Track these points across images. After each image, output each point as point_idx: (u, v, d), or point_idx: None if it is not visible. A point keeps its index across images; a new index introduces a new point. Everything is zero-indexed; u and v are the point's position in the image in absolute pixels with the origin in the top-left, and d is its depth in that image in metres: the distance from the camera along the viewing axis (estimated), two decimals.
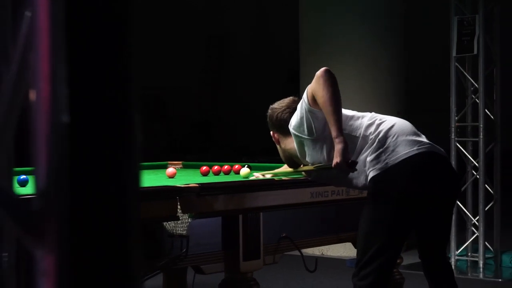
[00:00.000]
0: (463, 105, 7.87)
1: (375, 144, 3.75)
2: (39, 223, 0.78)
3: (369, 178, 3.75)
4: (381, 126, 3.81)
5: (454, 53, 7.71)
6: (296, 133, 3.84)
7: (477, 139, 7.67)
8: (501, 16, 7.73)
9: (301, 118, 3.78)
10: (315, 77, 3.66)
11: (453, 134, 7.81)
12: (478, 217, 7.65)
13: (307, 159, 3.88)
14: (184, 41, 19.00)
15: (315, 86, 3.64)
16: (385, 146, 3.73)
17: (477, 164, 7.68)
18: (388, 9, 8.42)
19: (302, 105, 3.77)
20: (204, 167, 4.94)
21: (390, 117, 3.95)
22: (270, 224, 4.08)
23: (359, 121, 3.85)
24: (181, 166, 5.85)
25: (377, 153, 3.73)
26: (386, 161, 3.71)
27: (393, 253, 3.77)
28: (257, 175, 4.45)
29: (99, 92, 0.90)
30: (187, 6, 19.03)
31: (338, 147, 3.58)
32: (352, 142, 3.75)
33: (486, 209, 7.62)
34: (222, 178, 4.69)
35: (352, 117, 3.87)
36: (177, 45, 18.75)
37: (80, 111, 0.87)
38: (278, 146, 4.12)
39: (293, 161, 4.09)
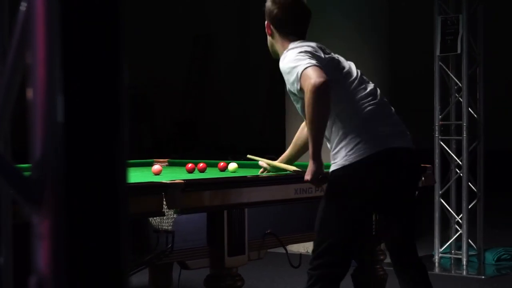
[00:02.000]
0: (446, 104, 7.93)
1: (339, 135, 3.73)
2: (36, 191, 0.82)
3: (330, 169, 3.76)
4: (350, 110, 3.77)
5: (437, 53, 7.77)
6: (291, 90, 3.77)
7: (460, 137, 7.73)
8: (484, 15, 7.79)
9: (288, 74, 3.70)
10: (308, 87, 3.51)
11: (437, 133, 7.87)
12: (461, 215, 7.71)
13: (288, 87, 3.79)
14: (169, 41, 19.00)
15: (306, 100, 3.54)
16: (347, 140, 3.71)
17: (460, 163, 7.74)
18: (372, 8, 8.46)
19: (295, 73, 3.63)
20: (190, 164, 4.97)
21: (367, 90, 3.90)
22: (255, 220, 4.11)
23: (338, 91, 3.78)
24: (166, 163, 5.87)
25: (339, 146, 3.73)
26: (346, 157, 3.70)
27: (345, 248, 3.77)
28: (262, 163, 4.45)
29: (92, 93, 0.94)
30: (172, 6, 19.04)
31: (310, 167, 3.64)
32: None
33: (469, 207, 7.68)
34: (207, 176, 4.72)
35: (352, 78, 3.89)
36: (162, 44, 18.75)
37: (75, 111, 0.91)
38: (268, 38, 4.01)
39: (277, 54, 4.00)
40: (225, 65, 18.62)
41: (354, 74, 3.90)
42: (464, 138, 7.67)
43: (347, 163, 3.69)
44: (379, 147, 3.69)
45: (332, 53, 3.93)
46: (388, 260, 7.10)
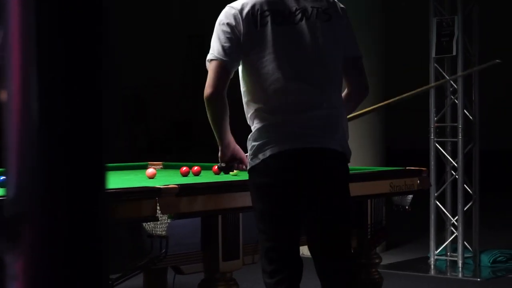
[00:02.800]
0: (442, 105, 7.91)
1: (254, 132, 3.49)
2: (11, 228, 0.78)
3: (248, 166, 3.51)
4: (264, 98, 3.48)
5: (433, 54, 7.75)
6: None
7: (456, 139, 7.71)
8: (479, 17, 7.77)
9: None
10: (204, 90, 3.45)
11: (432, 135, 7.85)
12: (457, 217, 7.69)
13: None
14: (164, 41, 18.97)
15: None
16: (260, 137, 3.45)
17: (456, 164, 7.72)
18: (367, 9, 8.44)
19: (209, 53, 3.50)
20: (184, 168, 4.95)
21: (290, 73, 3.47)
22: (249, 224, 4.08)
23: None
24: (161, 166, 5.84)
25: (251, 140, 3.48)
26: (259, 156, 3.42)
27: (277, 248, 3.50)
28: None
29: (69, 98, 0.90)
30: (167, 7, 19.00)
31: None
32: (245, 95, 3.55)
33: (465, 209, 7.66)
34: (202, 179, 4.70)
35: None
36: (157, 45, 18.72)
37: (51, 113, 0.88)
38: None
39: None
40: None
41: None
42: (460, 140, 7.65)
43: (258, 161, 3.45)
44: (289, 146, 3.41)
45: (280, 20, 3.48)
46: (383, 263, 7.10)
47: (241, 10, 3.46)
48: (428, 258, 7.87)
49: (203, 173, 5.01)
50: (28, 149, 0.86)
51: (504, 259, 7.76)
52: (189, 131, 19.43)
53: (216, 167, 3.58)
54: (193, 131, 19.40)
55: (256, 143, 3.45)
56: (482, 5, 7.83)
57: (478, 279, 7.21)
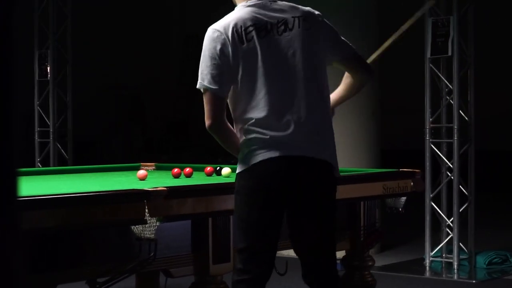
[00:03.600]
0: (437, 106, 7.87)
1: (243, 141, 3.51)
2: None
3: (236, 170, 3.54)
4: (253, 112, 3.48)
5: (428, 55, 7.72)
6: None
7: (451, 140, 7.68)
8: (475, 17, 7.74)
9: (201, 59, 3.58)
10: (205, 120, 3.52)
11: (427, 135, 7.82)
12: (452, 218, 7.66)
13: None
14: (161, 41, 18.93)
15: None
16: (248, 142, 3.47)
17: (451, 165, 7.69)
18: (361, 9, 8.42)
19: (199, 78, 3.53)
20: (176, 169, 4.91)
21: (277, 84, 3.50)
22: None
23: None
24: (154, 167, 5.81)
25: (241, 144, 3.51)
26: (247, 162, 3.45)
27: (255, 250, 3.50)
28: None
29: None
30: (164, 7, 18.96)
31: None
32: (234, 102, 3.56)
33: (460, 210, 7.63)
34: (193, 181, 4.66)
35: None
36: (154, 45, 18.67)
37: None
38: None
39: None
40: None
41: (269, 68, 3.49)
42: (455, 140, 7.61)
43: (245, 167, 3.49)
44: (282, 152, 3.44)
45: (264, 34, 3.50)
46: (378, 264, 7.06)
47: (225, 31, 3.48)
48: (423, 259, 7.83)
49: (195, 174, 4.98)
50: None
51: (499, 261, 7.73)
52: (186, 131, 19.39)
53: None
54: (189, 131, 19.37)
55: (246, 150, 3.48)
56: (478, 6, 7.80)
57: (474, 281, 7.18)
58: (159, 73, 18.66)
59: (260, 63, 3.46)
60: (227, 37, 3.46)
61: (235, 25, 3.48)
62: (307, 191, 3.49)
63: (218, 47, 3.46)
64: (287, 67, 3.51)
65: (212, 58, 3.47)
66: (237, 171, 3.53)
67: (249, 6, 3.55)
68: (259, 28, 3.49)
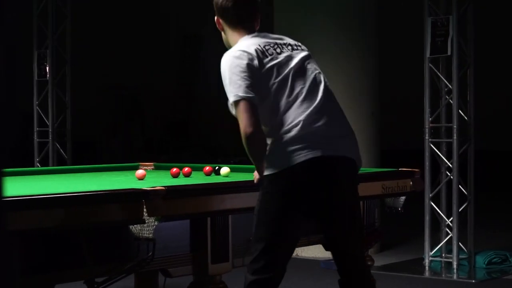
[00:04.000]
0: (437, 106, 7.86)
1: (275, 138, 3.64)
2: None
3: (264, 173, 3.64)
4: (284, 120, 3.64)
5: (428, 54, 7.71)
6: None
7: (451, 140, 7.67)
8: (474, 17, 7.73)
9: (224, 80, 3.72)
10: (241, 130, 3.56)
11: (427, 135, 7.81)
12: (452, 218, 7.65)
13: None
14: (159, 41, 18.91)
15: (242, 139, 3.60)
16: (282, 145, 3.61)
17: (451, 165, 7.68)
18: (361, 9, 8.40)
19: (229, 94, 3.63)
20: (175, 169, 4.90)
21: (309, 94, 3.73)
22: (239, 226, 4.04)
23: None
24: (152, 167, 5.80)
25: (272, 148, 3.63)
26: (278, 164, 3.60)
27: (278, 251, 3.65)
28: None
29: None
30: (162, 7, 18.95)
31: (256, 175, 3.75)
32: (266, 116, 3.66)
33: (460, 210, 7.62)
34: (192, 180, 4.65)
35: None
36: (152, 45, 18.66)
37: None
38: (222, 33, 4.01)
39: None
40: (215, 65, 18.44)
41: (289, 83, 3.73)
42: (455, 140, 7.60)
43: (277, 170, 3.61)
44: (312, 155, 3.60)
45: (280, 51, 3.80)
46: (377, 264, 7.05)
47: (247, 50, 3.70)
48: (423, 259, 7.82)
49: (193, 174, 4.97)
50: None
51: (499, 261, 7.72)
52: (185, 131, 19.38)
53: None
54: (189, 131, 19.36)
55: (279, 153, 3.61)
56: (477, 5, 7.79)
57: (473, 281, 7.17)
58: (158, 73, 18.65)
59: (286, 74, 3.72)
60: (251, 54, 3.68)
61: (254, 45, 3.73)
62: (341, 189, 3.69)
63: (245, 62, 3.65)
64: (307, 78, 3.77)
65: (242, 71, 3.63)
66: (268, 173, 3.61)
67: (253, 36, 3.81)
68: (273, 46, 3.79)
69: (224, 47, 3.96)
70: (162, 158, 13.03)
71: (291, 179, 3.59)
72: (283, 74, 3.71)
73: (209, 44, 18.62)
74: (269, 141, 3.64)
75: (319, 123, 3.65)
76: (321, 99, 3.72)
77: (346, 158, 3.70)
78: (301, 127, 3.61)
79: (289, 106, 3.66)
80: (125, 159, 5.68)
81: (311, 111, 3.66)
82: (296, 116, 3.64)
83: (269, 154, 3.62)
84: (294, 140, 3.60)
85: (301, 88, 3.71)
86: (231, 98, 3.59)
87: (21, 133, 13.10)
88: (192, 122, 19.25)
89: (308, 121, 3.63)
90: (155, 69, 18.61)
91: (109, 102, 17.53)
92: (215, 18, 3.95)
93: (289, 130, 3.61)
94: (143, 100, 18.57)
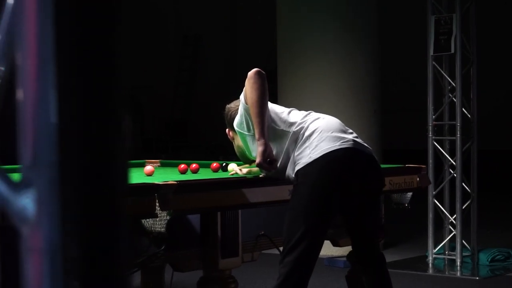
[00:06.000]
0: (440, 104, 7.88)
1: (301, 140, 3.91)
2: (26, 199, 0.75)
3: (294, 171, 3.87)
4: (309, 123, 3.97)
5: (431, 52, 7.72)
6: (239, 130, 4.03)
7: (454, 137, 7.68)
8: (477, 15, 7.74)
9: (241, 116, 3.97)
10: (248, 76, 3.84)
11: (430, 133, 7.82)
12: (455, 215, 7.66)
13: (253, 154, 4.01)
14: (159, 41, 18.94)
15: (246, 87, 3.85)
16: (310, 142, 3.87)
17: (454, 163, 7.69)
18: (364, 7, 8.42)
19: (241, 104, 3.94)
20: (183, 165, 4.91)
21: (319, 114, 4.11)
22: (248, 221, 4.05)
23: (289, 117, 4.02)
24: (158, 164, 5.81)
25: (302, 148, 3.88)
26: (310, 155, 3.84)
27: (313, 241, 3.83)
28: (234, 167, 4.49)
29: (87, 91, 0.87)
30: (162, 6, 18.97)
31: (259, 149, 3.82)
32: (283, 136, 3.95)
33: (463, 207, 7.63)
34: (200, 176, 4.66)
35: (283, 112, 4.04)
36: (152, 44, 18.68)
37: (68, 111, 0.85)
38: (233, 143, 4.31)
39: (246, 156, 4.25)
40: (214, 64, 18.52)
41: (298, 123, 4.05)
42: (458, 138, 7.62)
43: (310, 160, 3.83)
44: (339, 146, 3.88)
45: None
46: None
47: None
48: (426, 256, 7.84)
49: (201, 170, 4.98)
50: (43, 148, 0.84)
51: (502, 258, 7.73)
52: (184, 131, 19.40)
53: (258, 163, 3.86)
54: (188, 131, 19.38)
55: (309, 148, 3.88)
56: (480, 3, 7.81)
57: (477, 278, 7.19)
58: (157, 73, 18.68)
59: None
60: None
61: None
62: (373, 177, 4.00)
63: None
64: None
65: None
66: (299, 168, 3.84)
67: None
68: None
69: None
70: (161, 158, 13.02)
71: (325, 166, 3.80)
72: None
73: (209, 43, 18.64)
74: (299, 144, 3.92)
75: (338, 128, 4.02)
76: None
77: (370, 153, 4.02)
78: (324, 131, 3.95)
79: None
80: None
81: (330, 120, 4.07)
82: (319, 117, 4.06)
83: (301, 151, 3.89)
84: (323, 135, 3.90)
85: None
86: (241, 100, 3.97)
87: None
88: (191, 122, 19.27)
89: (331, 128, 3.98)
90: (154, 68, 18.63)
91: None
92: (226, 130, 4.28)
93: (316, 129, 3.94)
94: (143, 100, 18.58)
